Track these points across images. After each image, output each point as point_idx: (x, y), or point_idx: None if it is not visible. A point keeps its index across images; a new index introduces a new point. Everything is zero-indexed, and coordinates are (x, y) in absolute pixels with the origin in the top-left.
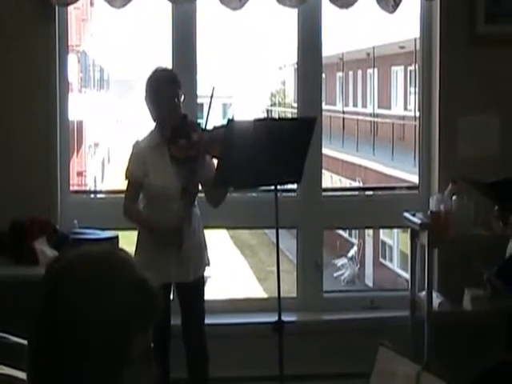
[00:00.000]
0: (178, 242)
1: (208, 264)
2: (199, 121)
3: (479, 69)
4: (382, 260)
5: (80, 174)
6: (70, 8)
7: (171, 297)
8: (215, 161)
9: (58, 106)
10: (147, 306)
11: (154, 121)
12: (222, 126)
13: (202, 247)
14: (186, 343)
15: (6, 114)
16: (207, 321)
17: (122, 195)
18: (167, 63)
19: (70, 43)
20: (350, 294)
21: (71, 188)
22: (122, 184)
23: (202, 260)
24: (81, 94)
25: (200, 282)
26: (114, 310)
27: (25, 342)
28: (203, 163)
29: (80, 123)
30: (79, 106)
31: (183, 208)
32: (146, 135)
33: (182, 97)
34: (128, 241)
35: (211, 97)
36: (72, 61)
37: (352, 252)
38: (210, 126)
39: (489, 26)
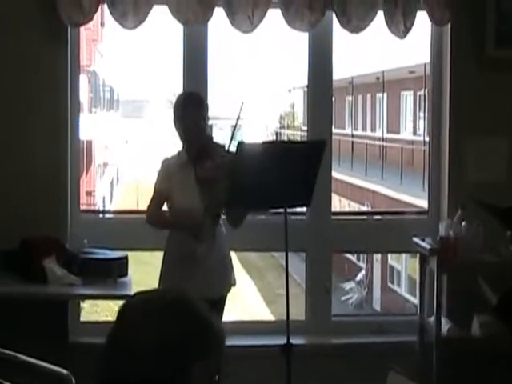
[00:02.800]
0: (198, 235)
1: (234, 284)
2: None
3: (489, 93)
4: (389, 284)
5: (89, 193)
6: (81, 29)
7: None
8: None
9: (68, 125)
10: (209, 338)
11: (182, 141)
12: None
13: (226, 266)
14: None
15: (18, 133)
16: None
17: (131, 216)
18: (178, 85)
19: (81, 63)
20: (358, 318)
21: (81, 208)
22: (130, 204)
23: (226, 278)
24: (91, 113)
25: (222, 301)
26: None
27: (33, 360)
28: (223, 183)
29: (89, 143)
30: (89, 125)
31: (209, 227)
32: (175, 154)
33: (209, 120)
34: (136, 261)
35: (237, 118)
36: (82, 81)
37: (360, 276)
38: (233, 148)
39: (498, 50)
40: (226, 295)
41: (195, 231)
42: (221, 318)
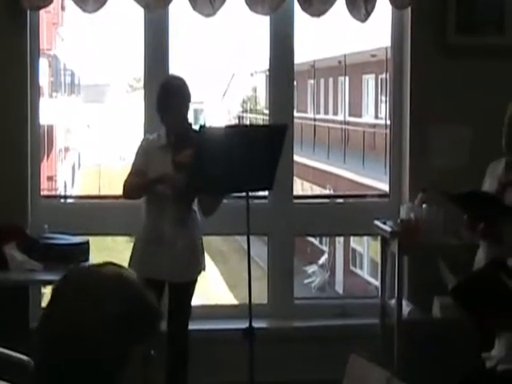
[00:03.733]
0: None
1: (203, 269)
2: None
3: (450, 79)
4: (352, 267)
5: (50, 178)
6: (41, 12)
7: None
8: None
9: (29, 110)
10: (147, 321)
11: (162, 124)
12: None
13: (196, 251)
14: (169, 343)
15: None
16: None
17: (93, 201)
18: (139, 69)
19: (41, 47)
20: (321, 301)
21: (41, 193)
22: (92, 189)
23: (196, 263)
24: (51, 98)
25: (192, 286)
26: (115, 320)
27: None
28: None
29: (50, 128)
30: (50, 110)
31: (181, 212)
32: (155, 135)
33: (189, 105)
34: (98, 246)
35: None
36: (43, 65)
37: (322, 259)
38: None
39: (460, 36)
40: (195, 280)
41: (166, 178)
42: (189, 301)
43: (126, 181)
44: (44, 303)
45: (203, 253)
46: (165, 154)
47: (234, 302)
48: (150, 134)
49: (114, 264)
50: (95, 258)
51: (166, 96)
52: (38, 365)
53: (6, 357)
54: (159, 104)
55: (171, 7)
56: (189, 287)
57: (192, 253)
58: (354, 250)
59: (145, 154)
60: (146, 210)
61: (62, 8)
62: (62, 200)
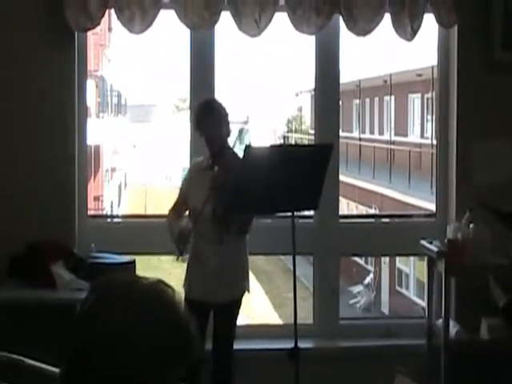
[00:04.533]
0: (180, 248)
1: (247, 290)
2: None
3: (496, 96)
4: (398, 288)
5: (97, 198)
6: (89, 34)
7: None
8: None
9: (76, 130)
10: (183, 346)
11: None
12: None
13: (238, 271)
14: (213, 368)
15: (26, 139)
16: None
17: (139, 220)
18: (185, 89)
19: (88, 68)
20: (366, 322)
21: (88, 212)
22: (138, 208)
23: (237, 284)
24: (98, 118)
25: (234, 307)
26: (149, 346)
27: (39, 364)
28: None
29: (97, 148)
30: (97, 130)
31: (217, 231)
32: (203, 156)
33: (224, 124)
34: (144, 265)
35: (241, 133)
36: (90, 86)
37: (368, 279)
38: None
39: (506, 52)
40: (235, 301)
41: (173, 239)
42: (232, 324)
43: (169, 210)
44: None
45: (248, 274)
46: (204, 176)
47: (279, 321)
48: (200, 155)
49: (162, 282)
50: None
51: (197, 120)
52: (67, 378)
53: (54, 375)
54: (195, 126)
55: (217, 27)
56: (231, 308)
57: (233, 273)
58: (399, 270)
59: (189, 177)
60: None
61: (109, 29)
62: (109, 220)
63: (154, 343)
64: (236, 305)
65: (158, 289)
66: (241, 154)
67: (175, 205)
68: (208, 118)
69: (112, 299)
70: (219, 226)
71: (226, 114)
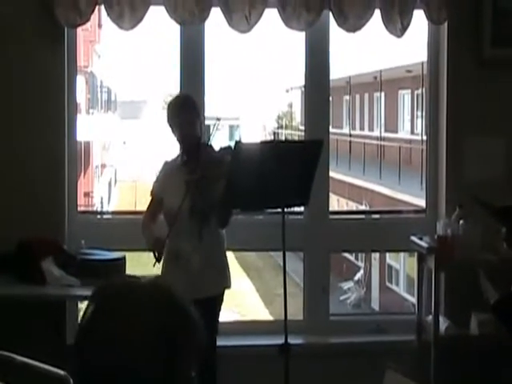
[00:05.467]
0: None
1: (228, 286)
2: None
3: (486, 92)
4: (388, 284)
5: (87, 194)
6: (78, 29)
7: None
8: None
9: (66, 127)
10: (186, 334)
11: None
12: (227, 148)
13: (217, 267)
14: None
15: (15, 135)
16: None
17: (129, 216)
18: (175, 85)
19: (78, 64)
20: (357, 318)
21: (78, 209)
22: (128, 205)
23: (217, 280)
24: (88, 115)
25: (216, 302)
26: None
27: (30, 361)
28: (211, 184)
29: (87, 144)
30: (87, 127)
31: (196, 227)
32: (175, 156)
33: (199, 121)
34: (134, 262)
35: (215, 126)
36: (80, 82)
37: (358, 275)
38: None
39: (495, 49)
40: (217, 297)
41: (149, 246)
42: (213, 319)
43: (144, 215)
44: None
45: (229, 269)
46: (179, 173)
47: (270, 318)
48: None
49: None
50: (132, 273)
51: (172, 115)
52: (77, 376)
53: (44, 371)
54: (168, 124)
55: (207, 24)
56: (213, 304)
57: (215, 268)
58: (390, 267)
59: (161, 178)
60: (167, 226)
61: (99, 25)
62: (99, 216)
63: (158, 330)
64: (218, 300)
65: (157, 282)
66: (216, 147)
67: (149, 207)
68: (184, 114)
69: (116, 298)
70: (199, 222)
71: (200, 110)
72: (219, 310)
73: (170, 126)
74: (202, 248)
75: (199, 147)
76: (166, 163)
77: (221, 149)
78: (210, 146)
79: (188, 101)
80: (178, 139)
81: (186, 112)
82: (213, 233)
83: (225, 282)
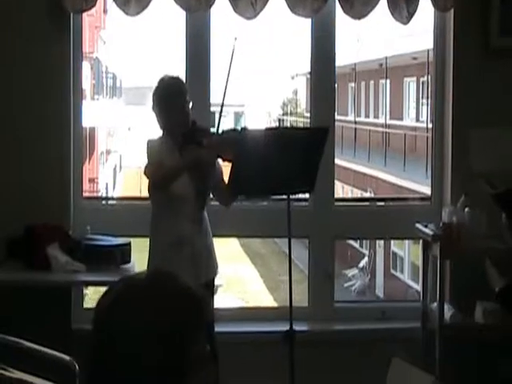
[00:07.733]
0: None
1: (217, 268)
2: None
3: (492, 81)
4: (392, 271)
5: (92, 180)
6: (84, 15)
7: None
8: (225, 163)
9: (71, 112)
10: (196, 315)
11: (162, 129)
12: (232, 130)
13: (211, 250)
14: None
15: (20, 121)
16: (217, 329)
17: (134, 202)
18: (181, 71)
19: (83, 50)
20: (361, 305)
21: (83, 194)
22: (133, 191)
23: (212, 263)
24: (93, 101)
25: (209, 286)
26: (168, 329)
27: (36, 346)
28: (214, 167)
29: (92, 130)
30: (92, 112)
31: (198, 211)
32: (157, 139)
33: (191, 103)
34: (139, 247)
35: (222, 104)
36: (85, 68)
37: (363, 262)
38: (219, 130)
39: (503, 38)
40: (212, 280)
41: (196, 160)
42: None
43: (153, 172)
44: (86, 304)
45: (215, 252)
46: (174, 156)
47: (274, 304)
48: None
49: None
50: (137, 259)
51: (166, 101)
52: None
53: (49, 356)
54: (160, 109)
55: (213, 10)
56: (210, 287)
57: (209, 253)
58: (394, 254)
59: (157, 154)
60: (162, 212)
61: (105, 11)
62: (104, 202)
63: (170, 321)
64: (212, 283)
65: (161, 271)
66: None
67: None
68: (179, 97)
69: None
70: (202, 205)
71: (187, 89)
72: (213, 293)
73: (158, 112)
74: (202, 232)
75: (196, 130)
76: (154, 142)
77: (224, 131)
78: (203, 127)
79: (182, 86)
80: (166, 124)
81: (183, 98)
82: (205, 217)
83: (217, 266)
